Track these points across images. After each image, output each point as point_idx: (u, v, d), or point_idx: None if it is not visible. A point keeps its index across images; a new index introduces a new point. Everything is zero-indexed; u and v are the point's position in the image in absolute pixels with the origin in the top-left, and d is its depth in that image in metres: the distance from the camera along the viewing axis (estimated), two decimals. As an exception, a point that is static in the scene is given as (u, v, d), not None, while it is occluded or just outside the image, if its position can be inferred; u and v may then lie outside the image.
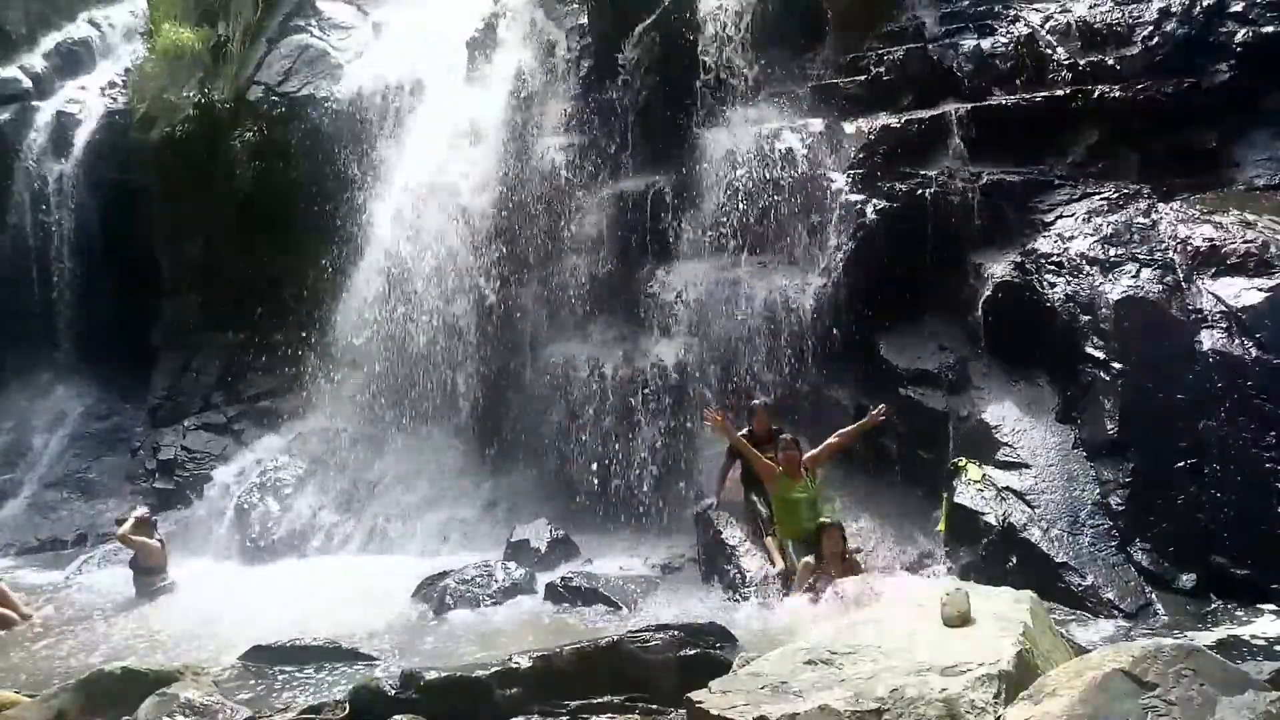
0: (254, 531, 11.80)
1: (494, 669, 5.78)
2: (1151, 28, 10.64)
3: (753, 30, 11.83)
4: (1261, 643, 6.62)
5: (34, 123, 16.25)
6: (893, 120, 10.75)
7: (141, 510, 11.10)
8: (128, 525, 10.52)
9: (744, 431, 9.43)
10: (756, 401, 9.81)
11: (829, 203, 10.44)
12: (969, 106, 10.63)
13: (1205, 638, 6.41)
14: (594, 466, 11.15)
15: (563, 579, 9.42)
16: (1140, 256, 8.91)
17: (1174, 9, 10.60)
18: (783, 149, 10.92)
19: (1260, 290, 8.39)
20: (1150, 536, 7.88)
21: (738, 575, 8.97)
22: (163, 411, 14.59)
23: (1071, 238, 9.37)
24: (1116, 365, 8.47)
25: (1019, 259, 9.50)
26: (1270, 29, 10.19)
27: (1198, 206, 9.32)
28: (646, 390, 11.00)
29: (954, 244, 9.97)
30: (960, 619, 4.46)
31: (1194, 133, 10.12)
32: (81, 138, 15.98)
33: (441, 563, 10.37)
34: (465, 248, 12.69)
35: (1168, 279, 8.70)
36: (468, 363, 12.54)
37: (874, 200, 10.22)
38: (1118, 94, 10.30)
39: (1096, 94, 10.34)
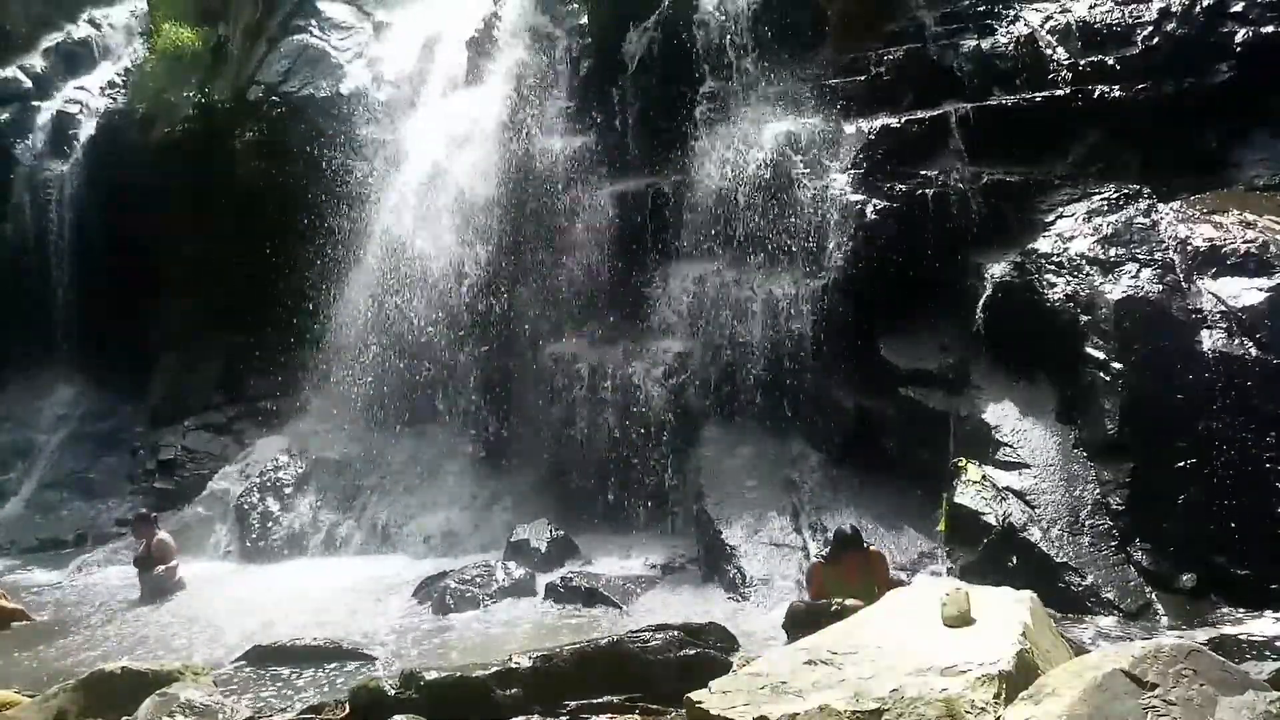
0: (254, 531, 11.80)
1: (494, 669, 5.77)
2: (1151, 28, 10.64)
3: (753, 30, 11.83)
4: (1261, 643, 6.61)
5: (34, 123, 16.27)
6: (893, 120, 10.74)
7: (142, 511, 11.15)
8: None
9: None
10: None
11: (829, 203, 10.43)
12: (969, 106, 10.63)
13: (1205, 638, 6.40)
14: (594, 466, 11.16)
15: (563, 579, 9.43)
16: (1140, 256, 8.91)
17: (1174, 9, 10.60)
18: (783, 149, 10.92)
19: (1260, 290, 8.39)
20: (1150, 536, 7.87)
21: (738, 575, 8.97)
22: (163, 412, 14.61)
23: (1071, 238, 9.36)
24: (1116, 365, 8.46)
25: (1019, 259, 9.50)
26: (1270, 29, 10.20)
27: (1198, 206, 9.32)
28: (646, 390, 11.00)
29: (954, 244, 9.96)
30: (960, 619, 4.45)
31: (1194, 133, 10.12)
32: (81, 138, 16.01)
33: (441, 563, 10.40)
34: (465, 248, 12.69)
35: (1168, 279, 8.69)
36: (467, 362, 12.54)
37: (874, 200, 10.22)
38: (1118, 94, 10.30)
39: (1097, 94, 10.34)
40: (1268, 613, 7.16)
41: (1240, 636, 6.71)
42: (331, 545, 11.67)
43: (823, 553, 8.01)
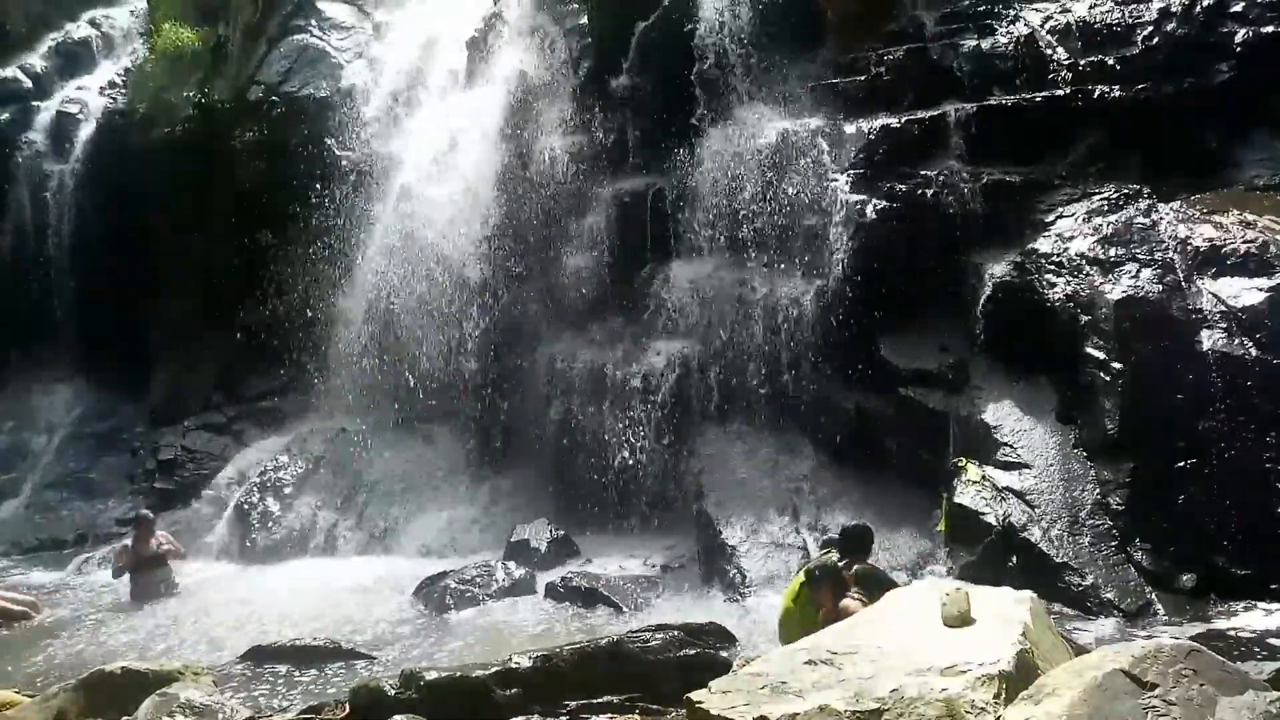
0: (254, 532, 11.80)
1: (494, 669, 5.77)
2: (1151, 28, 10.64)
3: (752, 30, 11.83)
4: (1261, 642, 6.62)
5: (34, 123, 16.25)
6: (893, 120, 10.74)
7: (144, 512, 11.16)
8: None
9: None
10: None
11: (829, 203, 10.43)
12: (969, 106, 10.62)
13: (1205, 637, 6.41)
14: (594, 466, 11.16)
15: (563, 579, 9.43)
16: (1140, 256, 8.91)
17: (1174, 9, 10.60)
18: (782, 149, 10.92)
19: (1260, 290, 8.40)
20: (1150, 536, 7.88)
21: (738, 575, 8.97)
22: (163, 412, 14.60)
23: (1071, 238, 9.36)
24: (1116, 365, 8.47)
25: (1019, 259, 9.50)
26: (1270, 29, 10.20)
27: (1198, 206, 9.32)
28: (646, 390, 11.00)
29: (954, 244, 9.96)
30: (960, 619, 4.45)
31: (1194, 133, 10.12)
32: (81, 138, 15.99)
33: (441, 563, 10.39)
34: (465, 248, 12.69)
35: (1168, 279, 8.69)
36: (468, 362, 12.54)
37: (874, 200, 10.22)
38: (1118, 94, 10.30)
39: (1097, 94, 10.33)
40: (1267, 612, 7.16)
41: (1239, 636, 6.74)
42: (331, 545, 11.66)
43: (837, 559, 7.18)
